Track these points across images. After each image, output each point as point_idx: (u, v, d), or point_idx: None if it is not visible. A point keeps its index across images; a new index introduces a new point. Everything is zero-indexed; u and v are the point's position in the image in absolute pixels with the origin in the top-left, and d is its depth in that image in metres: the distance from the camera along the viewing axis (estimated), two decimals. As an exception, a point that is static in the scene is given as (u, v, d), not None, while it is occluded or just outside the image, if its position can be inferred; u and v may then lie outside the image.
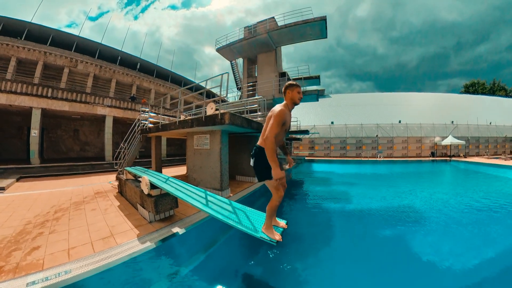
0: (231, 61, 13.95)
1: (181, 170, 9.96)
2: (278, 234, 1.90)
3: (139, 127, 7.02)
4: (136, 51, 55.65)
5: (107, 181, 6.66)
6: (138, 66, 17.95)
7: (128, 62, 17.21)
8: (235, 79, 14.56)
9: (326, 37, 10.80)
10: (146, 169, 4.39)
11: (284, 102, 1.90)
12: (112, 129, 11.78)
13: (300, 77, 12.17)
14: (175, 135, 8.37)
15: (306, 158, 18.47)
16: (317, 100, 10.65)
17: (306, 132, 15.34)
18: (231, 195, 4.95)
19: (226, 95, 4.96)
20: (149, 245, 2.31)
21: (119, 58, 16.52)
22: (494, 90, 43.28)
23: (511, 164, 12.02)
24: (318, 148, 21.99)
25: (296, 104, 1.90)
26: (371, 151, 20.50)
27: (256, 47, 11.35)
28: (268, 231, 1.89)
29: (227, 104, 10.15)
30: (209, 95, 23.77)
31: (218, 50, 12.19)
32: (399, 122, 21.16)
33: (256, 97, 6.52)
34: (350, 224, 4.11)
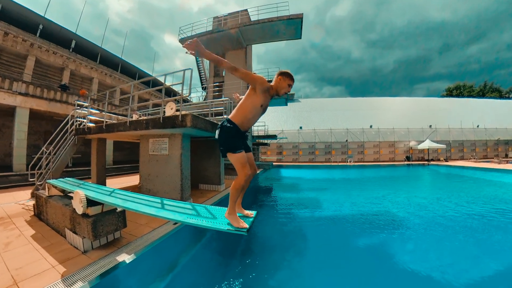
0: (196, 56, 13.44)
1: (133, 180, 8.89)
2: (243, 221, 1.78)
3: (74, 126, 5.95)
4: (70, 24, 42.56)
5: (14, 201, 5.18)
6: (73, 45, 14.41)
7: (57, 37, 13.49)
8: (200, 77, 14.09)
9: (300, 38, 11.47)
10: (82, 182, 3.70)
11: (272, 84, 1.85)
12: (27, 126, 9.21)
13: (270, 80, 12.62)
14: (125, 138, 7.45)
15: (274, 163, 18.87)
16: (286, 105, 11.21)
17: (274, 137, 15.92)
18: None
19: (189, 94, 4.71)
20: (80, 286, 1.89)
21: (41, 27, 12.49)
22: (484, 92, 44.79)
23: (504, 167, 11.84)
24: (286, 153, 23.01)
25: (277, 95, 1.87)
26: (340, 156, 22.26)
27: (225, 43, 11.27)
28: (231, 217, 1.77)
29: (190, 104, 9.66)
30: (169, 93, 22.36)
31: (181, 41, 11.58)
32: (370, 127, 23.18)
33: (223, 98, 6.41)
34: (322, 232, 4.25)
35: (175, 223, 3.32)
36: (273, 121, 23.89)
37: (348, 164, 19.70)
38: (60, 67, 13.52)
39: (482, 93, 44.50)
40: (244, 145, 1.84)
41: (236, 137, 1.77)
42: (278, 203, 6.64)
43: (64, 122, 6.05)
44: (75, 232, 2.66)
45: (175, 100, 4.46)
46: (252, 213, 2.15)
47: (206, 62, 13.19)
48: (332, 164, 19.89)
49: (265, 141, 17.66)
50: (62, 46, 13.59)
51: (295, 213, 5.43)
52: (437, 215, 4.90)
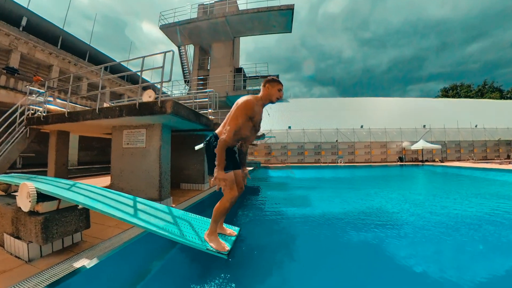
0: (179, 46, 12.94)
1: (103, 181, 8.12)
2: (224, 243, 1.79)
3: (26, 116, 5.23)
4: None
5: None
6: (23, 23, 12.54)
7: (2, 12, 11.87)
8: (183, 70, 13.53)
9: (291, 31, 11.49)
10: (32, 176, 3.17)
11: (258, 94, 1.89)
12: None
13: (257, 75, 12.34)
14: (94, 132, 6.78)
15: (261, 164, 18.79)
16: (273, 103, 11.03)
17: (261, 136, 15.88)
18: (174, 205, 4.34)
19: (170, 78, 4.40)
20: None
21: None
22: (483, 92, 43.85)
23: (507, 167, 11.88)
24: (274, 154, 23.08)
25: (271, 102, 1.92)
26: (330, 156, 22.73)
27: (211, 33, 10.97)
28: (210, 238, 1.78)
29: (171, 97, 9.18)
30: (147, 87, 21.30)
31: (162, 28, 11.04)
32: (361, 127, 23.77)
33: (207, 90, 6.12)
34: (314, 231, 4.12)
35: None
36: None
37: (338, 164, 20.23)
38: (6, 48, 11.63)
39: (480, 94, 43.64)
40: (232, 162, 1.85)
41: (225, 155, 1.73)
42: (267, 203, 6.48)
43: (12, 110, 5.29)
44: (17, 237, 2.18)
45: (154, 89, 4.08)
46: (234, 232, 2.12)
47: (190, 54, 12.70)
48: (322, 164, 20.30)
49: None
50: (8, 22, 11.63)
51: (288, 212, 5.27)
52: (433, 212, 5.01)
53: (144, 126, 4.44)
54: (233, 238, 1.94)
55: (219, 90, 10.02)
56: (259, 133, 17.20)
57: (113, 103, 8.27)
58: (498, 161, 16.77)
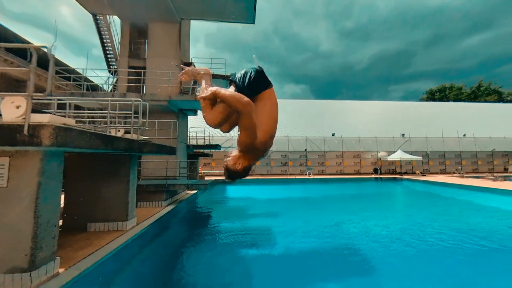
0: (94, 15, 11.12)
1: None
2: None
3: None
4: None
5: None
6: None
7: None
8: (105, 52, 11.71)
9: (254, 23, 11.10)
10: None
11: None
12: None
13: (212, 74, 11.56)
14: None
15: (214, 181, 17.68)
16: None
17: (216, 146, 15.34)
18: (61, 271, 3.45)
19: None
20: None
21: None
22: (477, 95, 42.82)
23: (500, 186, 10.82)
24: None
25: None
26: (299, 167, 23.25)
27: (149, 9, 9.69)
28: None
29: (73, 94, 7.83)
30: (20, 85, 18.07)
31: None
32: (333, 135, 24.55)
33: (131, 98, 5.23)
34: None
35: None
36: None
37: (307, 177, 20.90)
38: None
39: (474, 96, 43.45)
40: None
41: None
42: (219, 238, 6.18)
43: None
44: None
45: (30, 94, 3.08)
46: None
47: (117, 31, 10.98)
48: (289, 177, 20.64)
49: (206, 151, 16.78)
50: None
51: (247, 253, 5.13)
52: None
53: (6, 153, 3.39)
54: None
55: (159, 92, 9.02)
56: (213, 143, 16.49)
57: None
58: (491, 177, 15.46)
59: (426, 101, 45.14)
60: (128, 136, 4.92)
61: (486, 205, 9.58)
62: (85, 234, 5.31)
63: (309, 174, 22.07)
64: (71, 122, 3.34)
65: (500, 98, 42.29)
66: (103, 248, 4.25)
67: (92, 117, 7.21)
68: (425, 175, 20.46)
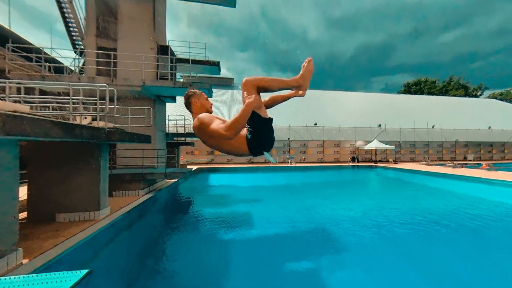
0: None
1: None
2: None
3: None
4: None
5: None
6: None
7: None
8: (68, 30, 10.64)
9: (235, 6, 10.71)
10: None
11: (197, 116, 1.81)
12: None
13: (190, 59, 10.62)
14: None
15: (194, 170, 17.61)
16: (210, 96, 9.67)
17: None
18: (24, 261, 3.29)
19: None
20: None
21: None
22: (448, 89, 46.34)
23: (457, 173, 12.58)
24: (219, 153, 22.60)
25: (209, 113, 1.99)
26: (282, 155, 23.73)
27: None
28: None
29: (31, 78, 7.22)
30: None
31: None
32: (315, 124, 25.46)
33: (96, 84, 4.90)
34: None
35: None
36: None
37: (289, 165, 21.33)
38: None
39: (445, 90, 47.19)
40: None
41: None
42: (205, 227, 6.11)
43: None
44: None
45: None
46: None
47: (81, 5, 9.97)
48: (272, 165, 20.92)
49: (187, 139, 16.43)
50: None
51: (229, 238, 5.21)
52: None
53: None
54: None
55: (133, 76, 8.53)
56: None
57: None
58: (451, 164, 18.81)
59: (403, 93, 47.82)
60: (95, 123, 4.65)
61: (442, 189, 11.29)
62: (54, 225, 5.07)
63: (290, 163, 22.56)
64: (24, 108, 3.08)
65: (466, 92, 46.09)
66: (72, 238, 4.11)
67: (58, 103, 6.71)
68: (397, 163, 22.35)
